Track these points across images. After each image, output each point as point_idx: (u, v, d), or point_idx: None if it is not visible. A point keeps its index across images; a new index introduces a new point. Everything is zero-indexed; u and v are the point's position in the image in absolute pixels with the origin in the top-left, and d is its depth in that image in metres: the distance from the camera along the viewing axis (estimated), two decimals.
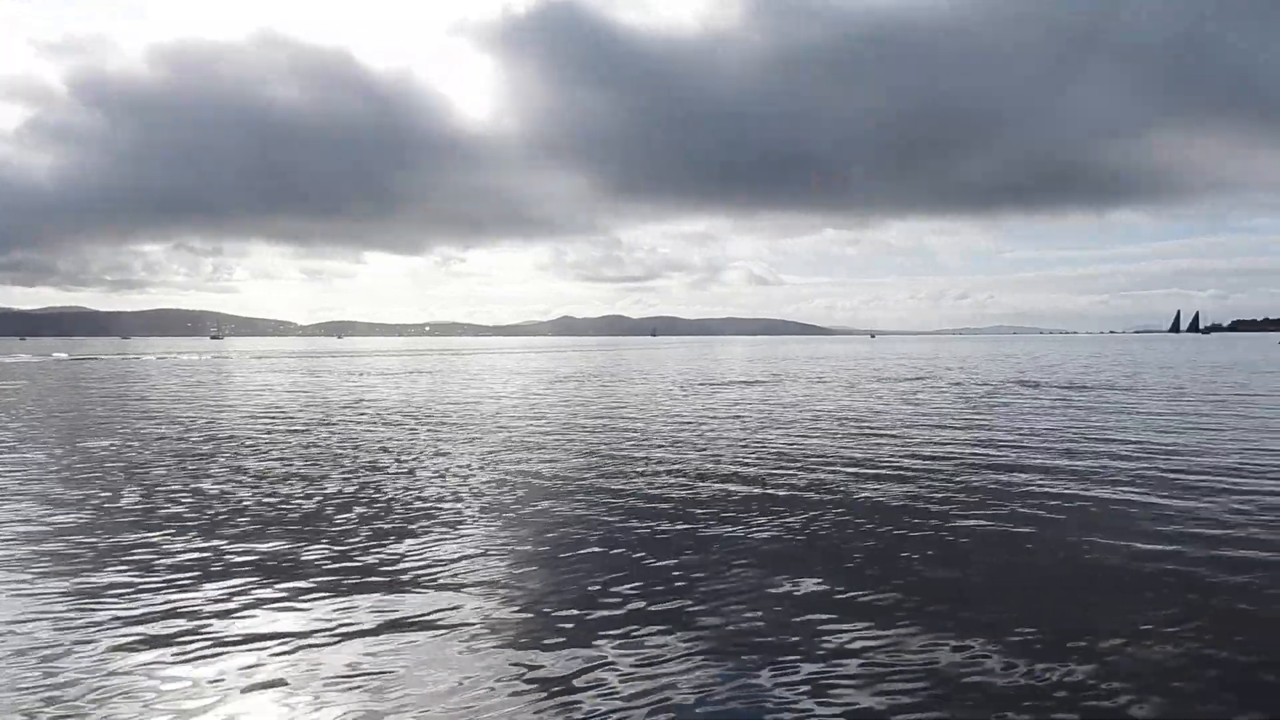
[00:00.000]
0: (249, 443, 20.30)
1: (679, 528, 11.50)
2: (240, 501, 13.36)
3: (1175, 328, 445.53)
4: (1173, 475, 14.98)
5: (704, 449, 18.89)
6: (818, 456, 17.59)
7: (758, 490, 14.05)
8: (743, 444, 19.67)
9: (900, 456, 17.46)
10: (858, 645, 7.33)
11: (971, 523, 11.69)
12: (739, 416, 25.94)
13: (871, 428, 22.60)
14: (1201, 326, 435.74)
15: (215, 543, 10.83)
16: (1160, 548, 10.27)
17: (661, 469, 16.21)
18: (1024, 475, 15.17)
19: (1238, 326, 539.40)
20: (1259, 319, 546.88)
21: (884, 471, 15.73)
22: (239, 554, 10.28)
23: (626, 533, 11.26)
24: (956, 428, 22.36)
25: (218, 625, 7.95)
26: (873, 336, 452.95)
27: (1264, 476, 14.74)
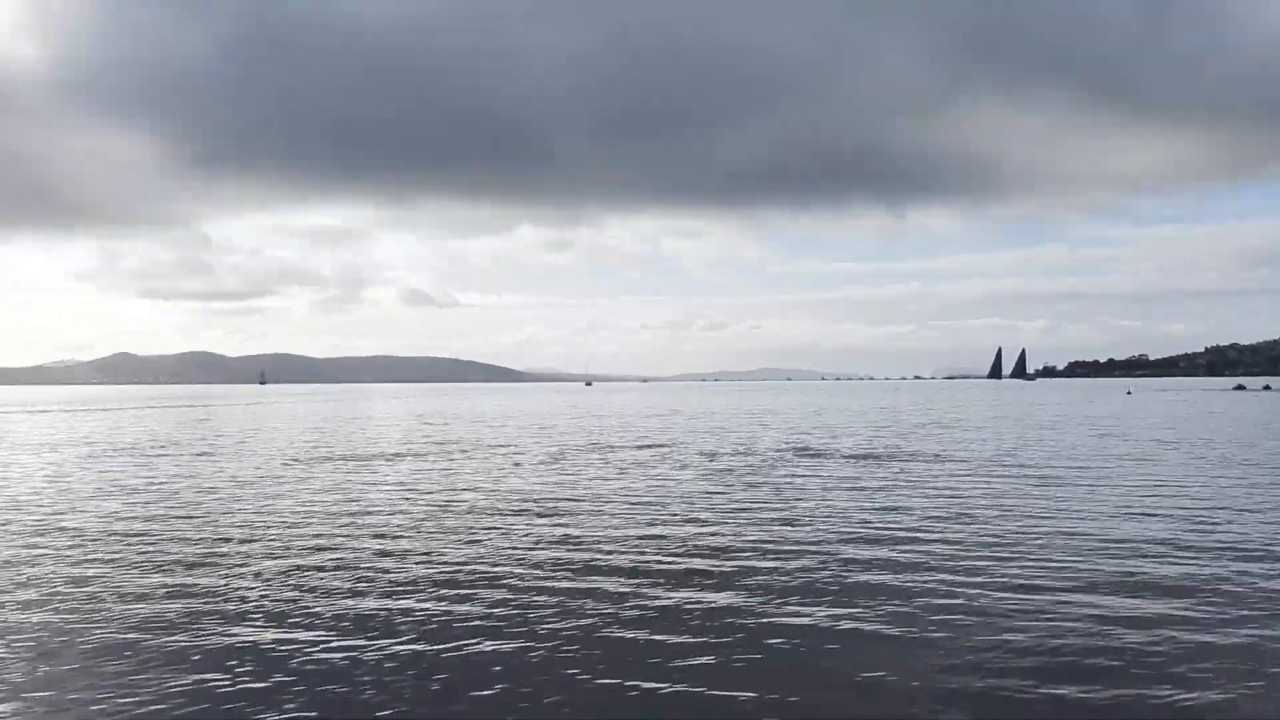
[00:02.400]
0: None
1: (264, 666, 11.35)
2: None
3: (996, 372, 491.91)
4: (984, 589, 16.59)
5: (324, 555, 18.78)
6: (496, 567, 17.93)
7: (410, 616, 14.16)
8: (387, 549, 19.64)
9: (619, 564, 18.17)
10: None
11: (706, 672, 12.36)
12: (385, 508, 25.90)
13: (583, 522, 23.30)
14: (1029, 371, 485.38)
15: None
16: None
17: (253, 585, 15.91)
18: (793, 596, 16.21)
19: (1075, 370, 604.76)
20: (1101, 360, 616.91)
21: (593, 586, 16.31)
22: None
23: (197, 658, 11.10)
24: (705, 520, 23.53)
25: None
26: (590, 385, 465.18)
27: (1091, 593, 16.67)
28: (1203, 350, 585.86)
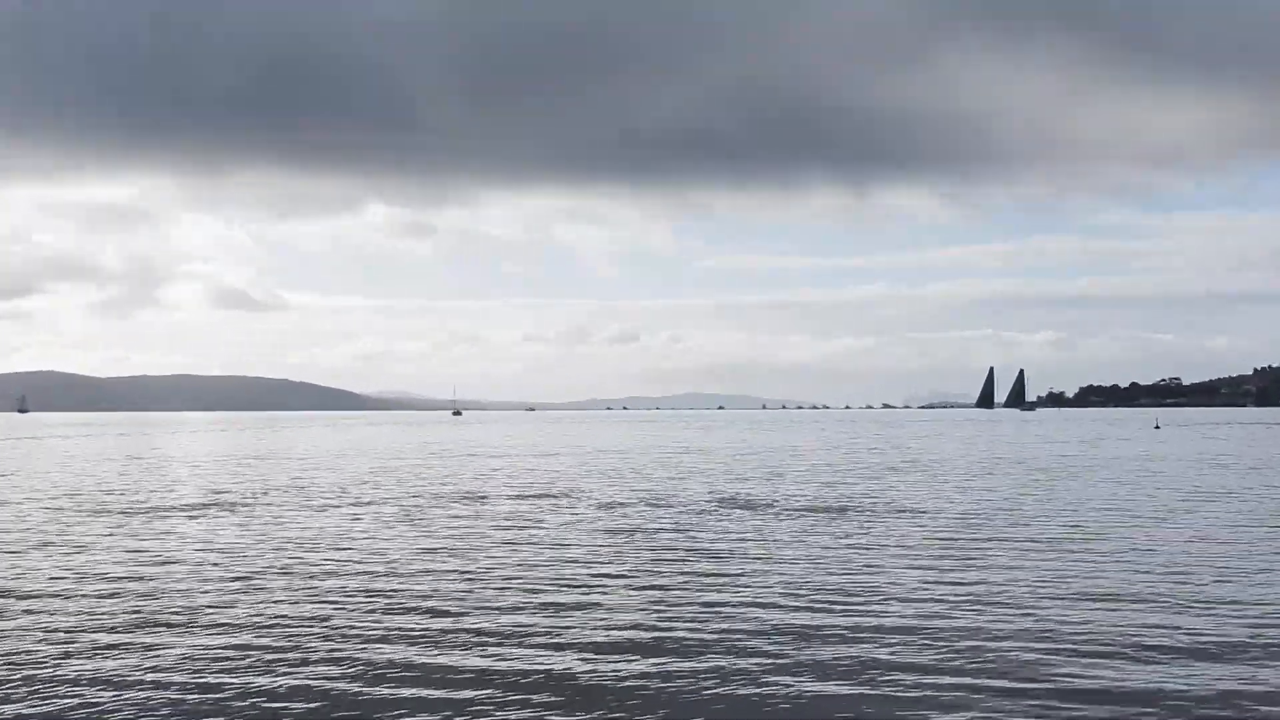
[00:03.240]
0: None
1: None
2: None
3: (987, 399, 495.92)
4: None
5: (106, 638, 18.49)
6: (332, 658, 17.84)
7: None
8: (188, 640, 19.44)
9: (495, 664, 18.12)
10: None
11: None
12: (186, 578, 25.66)
13: (448, 598, 23.26)
14: (1029, 398, 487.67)
15: None
16: None
17: (11, 680, 15.67)
18: (719, 709, 16.36)
19: (1089, 397, 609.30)
20: (1121, 384, 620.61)
21: (455, 696, 16.30)
22: None
23: None
24: (608, 598, 23.60)
25: None
26: (459, 414, 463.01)
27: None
28: (1251, 373, 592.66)
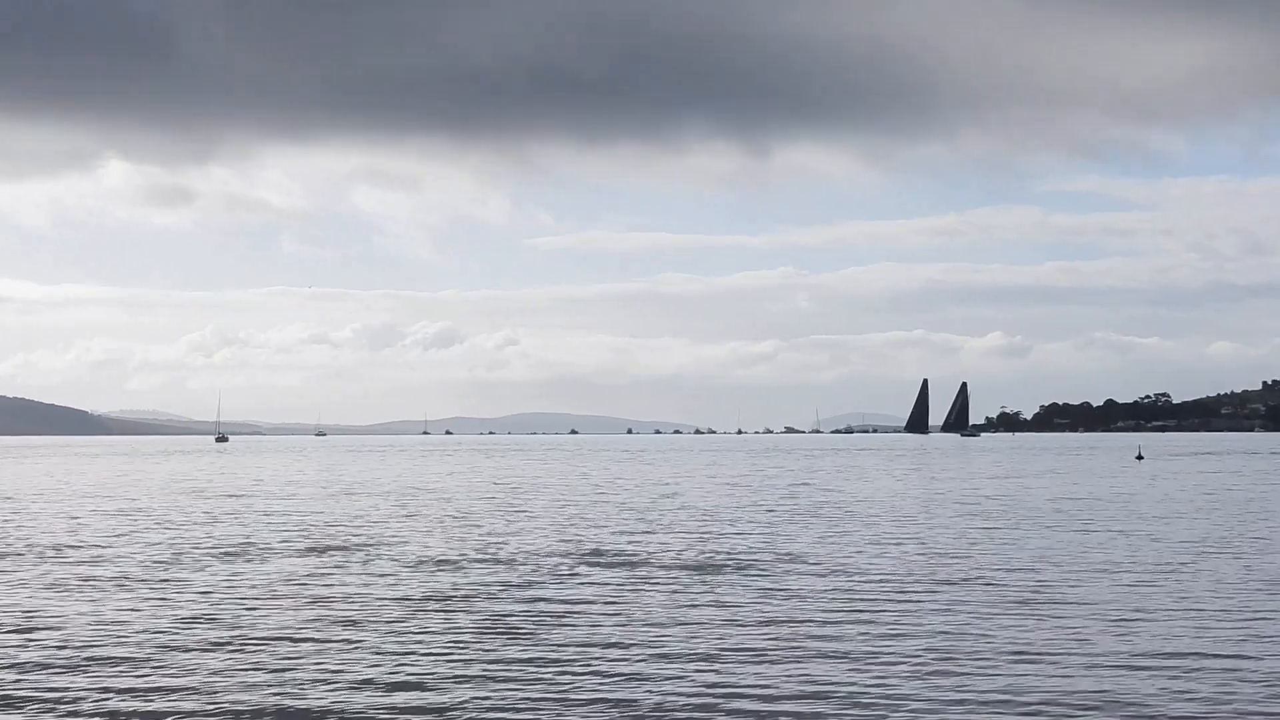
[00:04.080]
0: None
1: None
2: None
3: (920, 421, 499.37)
4: None
5: None
6: None
7: None
8: None
9: None
10: None
11: None
12: None
13: (212, 695, 22.90)
14: (973, 421, 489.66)
15: None
16: None
17: None
18: None
19: (1052, 419, 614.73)
20: (1094, 403, 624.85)
21: None
22: None
23: None
24: (429, 697, 23.35)
25: None
26: (224, 439, 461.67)
27: None
28: (1260, 387, 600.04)
